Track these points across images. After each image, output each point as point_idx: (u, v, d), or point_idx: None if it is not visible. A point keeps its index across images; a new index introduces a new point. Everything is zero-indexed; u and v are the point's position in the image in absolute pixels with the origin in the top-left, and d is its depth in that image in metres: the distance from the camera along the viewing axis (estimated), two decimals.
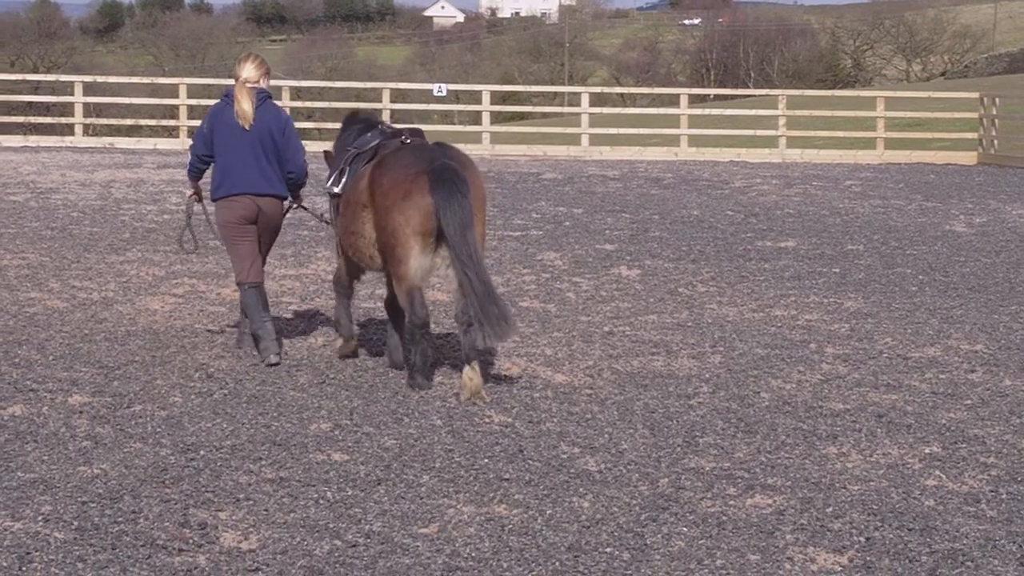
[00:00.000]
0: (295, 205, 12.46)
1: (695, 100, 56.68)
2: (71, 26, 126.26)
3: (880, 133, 36.81)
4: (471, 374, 10.62)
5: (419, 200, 10.64)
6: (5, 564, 7.07)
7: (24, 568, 7.04)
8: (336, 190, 11.69)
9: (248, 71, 11.91)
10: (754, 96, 65.07)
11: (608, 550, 7.47)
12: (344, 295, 12.06)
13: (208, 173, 12.01)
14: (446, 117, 55.41)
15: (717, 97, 79.24)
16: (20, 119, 41.74)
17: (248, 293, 11.82)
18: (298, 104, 41.07)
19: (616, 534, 7.71)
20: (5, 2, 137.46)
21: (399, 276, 10.88)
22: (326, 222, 12.67)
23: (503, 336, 10.73)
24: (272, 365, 11.56)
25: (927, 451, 9.41)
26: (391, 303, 11.60)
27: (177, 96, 37.44)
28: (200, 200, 12.37)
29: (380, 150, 11.48)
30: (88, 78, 39.72)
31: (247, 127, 11.73)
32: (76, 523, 7.69)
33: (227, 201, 11.77)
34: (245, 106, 11.77)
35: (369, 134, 11.83)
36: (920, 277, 16.77)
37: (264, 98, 11.93)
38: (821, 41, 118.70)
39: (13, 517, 7.76)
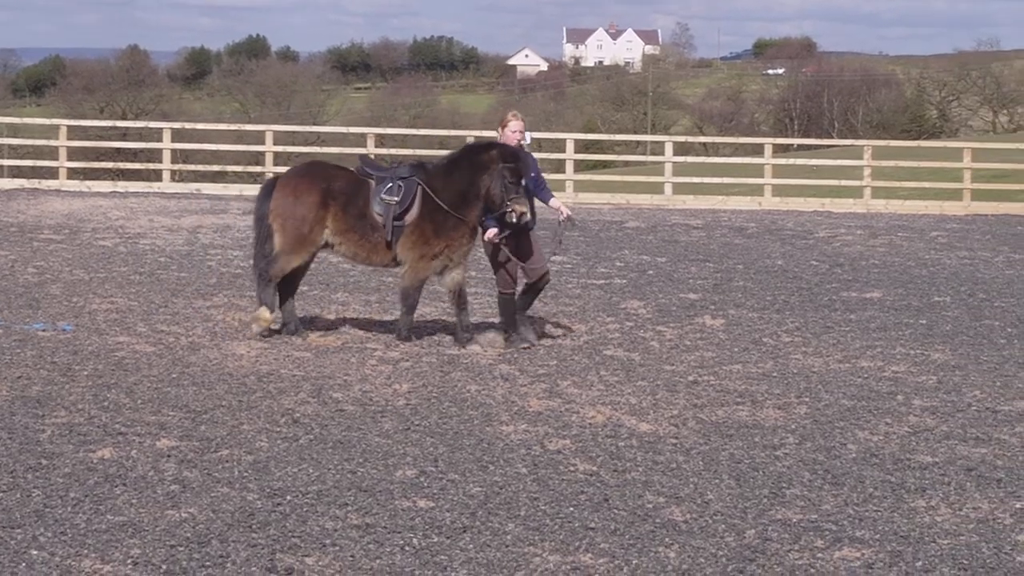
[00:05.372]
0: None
1: (779, 150, 56.48)
2: (159, 73, 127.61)
3: (967, 184, 36.43)
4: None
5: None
6: None
7: None
8: None
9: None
10: (838, 146, 64.72)
11: None
12: None
13: None
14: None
15: (801, 147, 78.94)
16: (109, 165, 42.19)
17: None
18: (382, 151, 41.24)
19: None
20: (95, 49, 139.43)
21: None
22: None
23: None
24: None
25: (1018, 506, 9.30)
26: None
27: (263, 143, 37.75)
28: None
29: None
30: (176, 125, 40.22)
31: None
32: (164, 567, 7.75)
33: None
34: None
35: None
36: (1008, 330, 16.59)
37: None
38: (906, 91, 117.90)
39: (103, 560, 7.83)
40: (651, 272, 21.48)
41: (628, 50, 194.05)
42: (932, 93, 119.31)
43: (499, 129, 15.14)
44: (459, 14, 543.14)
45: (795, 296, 19.10)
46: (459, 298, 14.82)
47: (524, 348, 14.54)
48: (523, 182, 14.36)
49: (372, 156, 16.24)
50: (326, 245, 14.97)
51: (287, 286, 15.15)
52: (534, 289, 15.10)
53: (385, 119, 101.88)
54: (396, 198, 14.58)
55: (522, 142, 15.07)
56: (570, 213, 15.39)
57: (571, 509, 9.05)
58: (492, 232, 14.57)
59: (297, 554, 8.03)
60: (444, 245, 14.60)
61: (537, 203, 15.03)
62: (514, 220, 14.33)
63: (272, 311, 14.99)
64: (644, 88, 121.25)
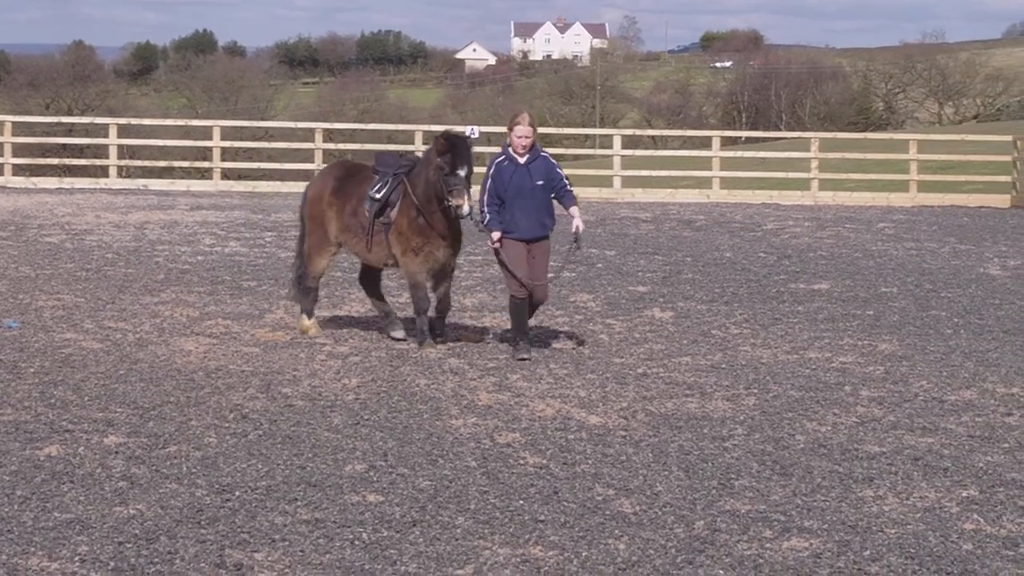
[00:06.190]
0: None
1: (726, 142, 56.64)
2: (105, 69, 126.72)
3: (913, 176, 36.69)
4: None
5: None
6: None
7: None
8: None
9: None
10: (786, 139, 64.95)
11: None
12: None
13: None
14: (477, 159, 55.41)
15: (748, 140, 79.18)
16: (55, 161, 41.95)
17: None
18: (330, 146, 41.17)
19: None
20: (40, 45, 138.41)
21: None
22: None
23: (289, 297, 15.83)
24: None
25: (964, 494, 9.36)
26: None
27: (210, 138, 37.59)
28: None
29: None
30: (122, 120, 40.01)
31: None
32: (112, 564, 7.71)
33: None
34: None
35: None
36: (955, 320, 16.70)
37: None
38: (853, 84, 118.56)
39: (50, 557, 7.78)
40: (600, 265, 21.52)
41: (576, 44, 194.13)
42: (878, 85, 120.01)
43: (508, 131, 14.75)
44: (407, 8, 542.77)
45: (743, 288, 19.17)
46: (440, 303, 14.72)
47: (522, 360, 13.94)
48: (460, 173, 14.20)
49: (400, 153, 16.08)
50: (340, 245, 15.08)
51: (371, 288, 15.43)
52: (532, 306, 14.55)
53: (333, 114, 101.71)
54: (379, 195, 14.55)
55: (472, 136, 14.96)
56: (581, 228, 14.96)
57: (521, 502, 9.05)
58: (495, 236, 14.30)
59: (246, 550, 8.01)
60: (422, 240, 14.46)
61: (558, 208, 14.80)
62: (452, 215, 14.22)
63: (310, 318, 15.13)
64: (592, 82, 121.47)
